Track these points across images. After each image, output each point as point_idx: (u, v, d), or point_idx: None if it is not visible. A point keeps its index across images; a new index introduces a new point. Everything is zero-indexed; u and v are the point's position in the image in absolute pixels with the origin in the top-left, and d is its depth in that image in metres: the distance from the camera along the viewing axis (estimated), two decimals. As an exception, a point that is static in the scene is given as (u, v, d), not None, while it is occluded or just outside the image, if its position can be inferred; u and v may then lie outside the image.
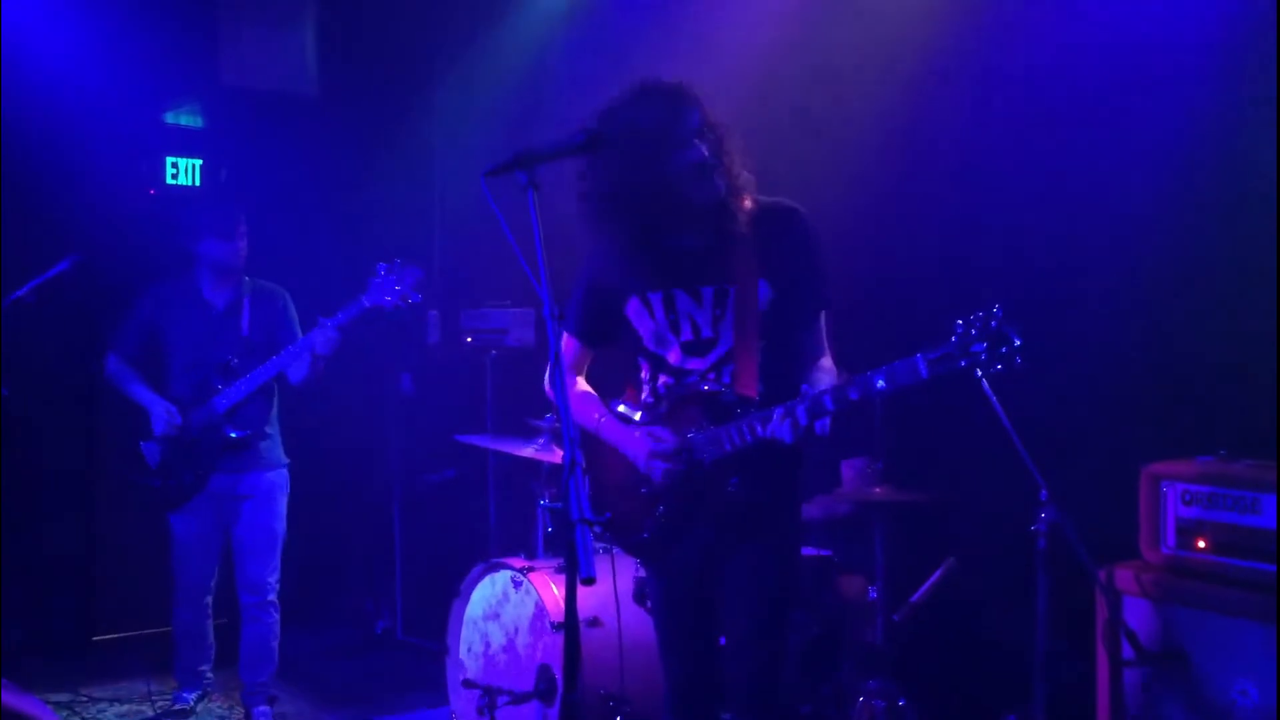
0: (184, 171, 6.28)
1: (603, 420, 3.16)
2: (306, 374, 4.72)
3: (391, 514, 6.47)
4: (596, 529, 2.24)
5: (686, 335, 3.06)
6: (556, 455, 4.71)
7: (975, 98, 4.42)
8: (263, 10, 6.50)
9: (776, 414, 2.80)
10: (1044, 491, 3.44)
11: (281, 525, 4.85)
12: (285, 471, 4.90)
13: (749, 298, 2.98)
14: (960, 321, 2.57)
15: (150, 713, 5.04)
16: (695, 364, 3.06)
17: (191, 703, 4.98)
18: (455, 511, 6.29)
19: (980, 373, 2.54)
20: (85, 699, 5.26)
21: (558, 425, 4.74)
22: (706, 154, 2.89)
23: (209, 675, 5.02)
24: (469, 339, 6.28)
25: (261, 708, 4.86)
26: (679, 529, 3.07)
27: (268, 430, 4.84)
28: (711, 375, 3.03)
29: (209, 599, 4.92)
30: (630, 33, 5.70)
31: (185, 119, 6.43)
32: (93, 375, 6.00)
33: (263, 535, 4.79)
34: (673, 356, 3.09)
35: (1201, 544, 3.38)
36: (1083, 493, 3.64)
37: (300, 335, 4.79)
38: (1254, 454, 3.42)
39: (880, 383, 2.67)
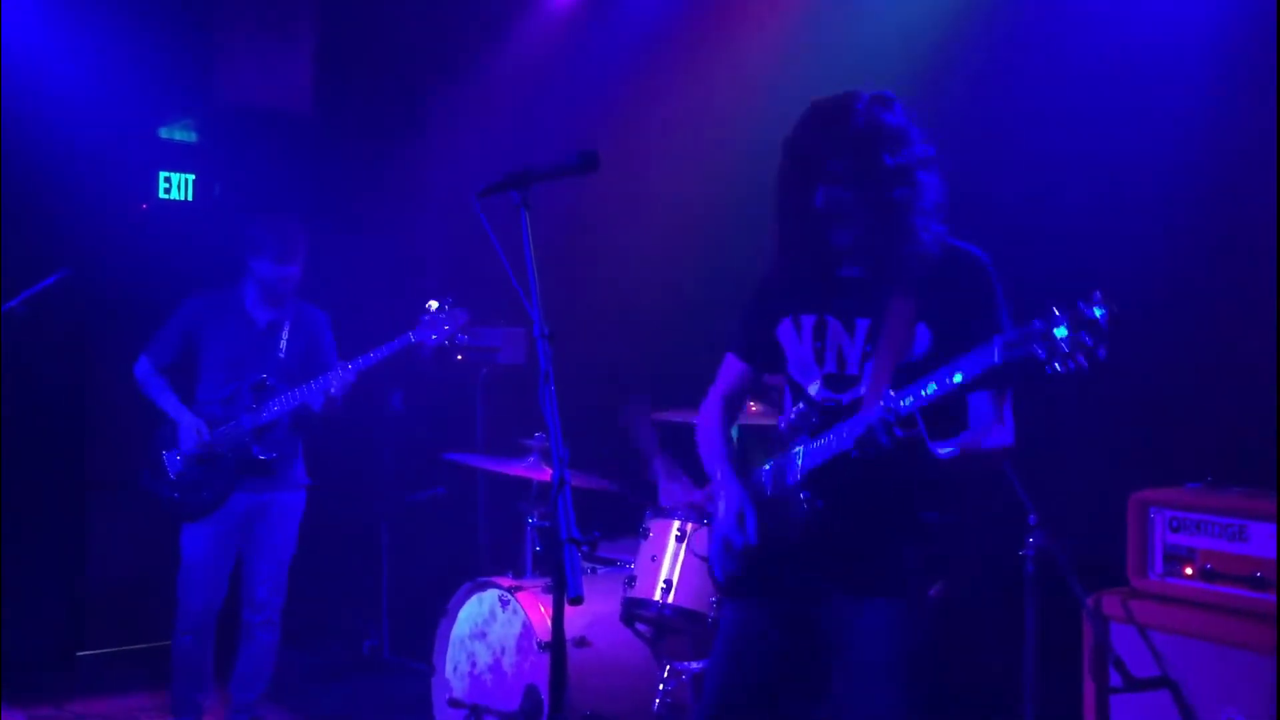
0: (176, 186, 6.27)
1: (716, 465, 2.93)
2: (322, 409, 4.65)
3: (380, 532, 6.44)
4: (584, 549, 2.23)
5: (830, 367, 2.80)
6: (545, 473, 4.71)
7: (974, 120, 4.44)
8: (258, 26, 6.50)
9: (857, 418, 2.56)
10: (1033, 517, 3.44)
11: (292, 546, 4.81)
12: (304, 493, 4.86)
13: (902, 339, 2.69)
14: (1055, 307, 2.27)
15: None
16: (833, 399, 2.78)
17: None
18: (444, 530, 6.28)
19: (1058, 367, 2.23)
20: (69, 715, 5.22)
21: (547, 444, 4.74)
22: (838, 197, 2.67)
23: (203, 704, 4.92)
24: (460, 356, 6.28)
25: None
26: (764, 559, 2.78)
27: (292, 454, 4.81)
28: (838, 412, 2.73)
29: (213, 623, 4.78)
30: (626, 51, 5.73)
31: (179, 134, 6.43)
32: (84, 387, 6.01)
33: (274, 555, 4.75)
34: (813, 388, 2.83)
35: (1189, 571, 3.38)
36: (1071, 519, 3.64)
37: (336, 361, 4.73)
38: (1242, 481, 3.43)
39: (958, 376, 2.40)
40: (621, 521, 4.74)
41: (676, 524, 4.19)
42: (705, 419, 3.07)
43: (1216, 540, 3.33)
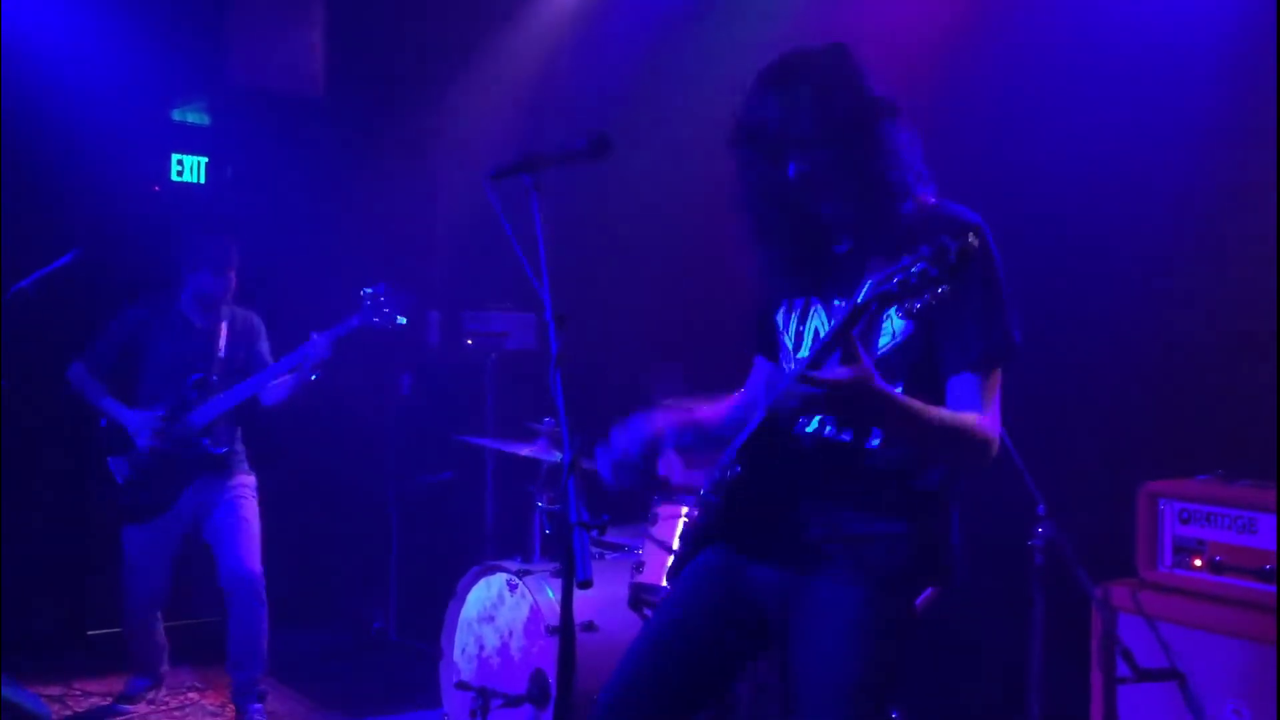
0: (189, 169, 6.29)
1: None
2: (284, 397, 4.85)
3: (389, 515, 6.46)
4: (594, 533, 2.22)
5: (806, 352, 2.57)
6: (555, 459, 4.71)
7: (979, 117, 4.43)
8: (270, 9, 6.50)
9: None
10: (1041, 507, 3.44)
11: (256, 522, 4.86)
12: (252, 478, 4.96)
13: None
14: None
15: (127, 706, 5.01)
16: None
17: (142, 692, 5.00)
18: (452, 513, 6.29)
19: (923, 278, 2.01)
20: (78, 693, 5.26)
21: (556, 429, 4.74)
22: (811, 161, 2.43)
23: (162, 670, 5.06)
24: (469, 341, 6.29)
25: (254, 705, 4.85)
26: (744, 501, 2.52)
27: (239, 447, 4.95)
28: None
29: (158, 613, 4.94)
30: (636, 35, 5.72)
31: (192, 116, 6.44)
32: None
33: (241, 524, 4.79)
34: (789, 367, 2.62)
35: (1198, 563, 3.38)
36: (1080, 509, 3.63)
37: (270, 361, 4.93)
38: (1253, 474, 3.43)
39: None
40: (630, 507, 4.75)
41: (685, 509, 4.19)
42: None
43: (1226, 532, 3.33)
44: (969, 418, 2.36)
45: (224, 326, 4.93)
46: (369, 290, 4.79)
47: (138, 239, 5.91)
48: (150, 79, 6.00)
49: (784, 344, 2.69)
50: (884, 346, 2.45)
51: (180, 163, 6.28)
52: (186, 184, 6.27)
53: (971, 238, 2.01)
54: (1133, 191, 4.04)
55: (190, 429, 4.76)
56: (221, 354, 4.88)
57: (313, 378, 4.78)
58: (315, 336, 4.74)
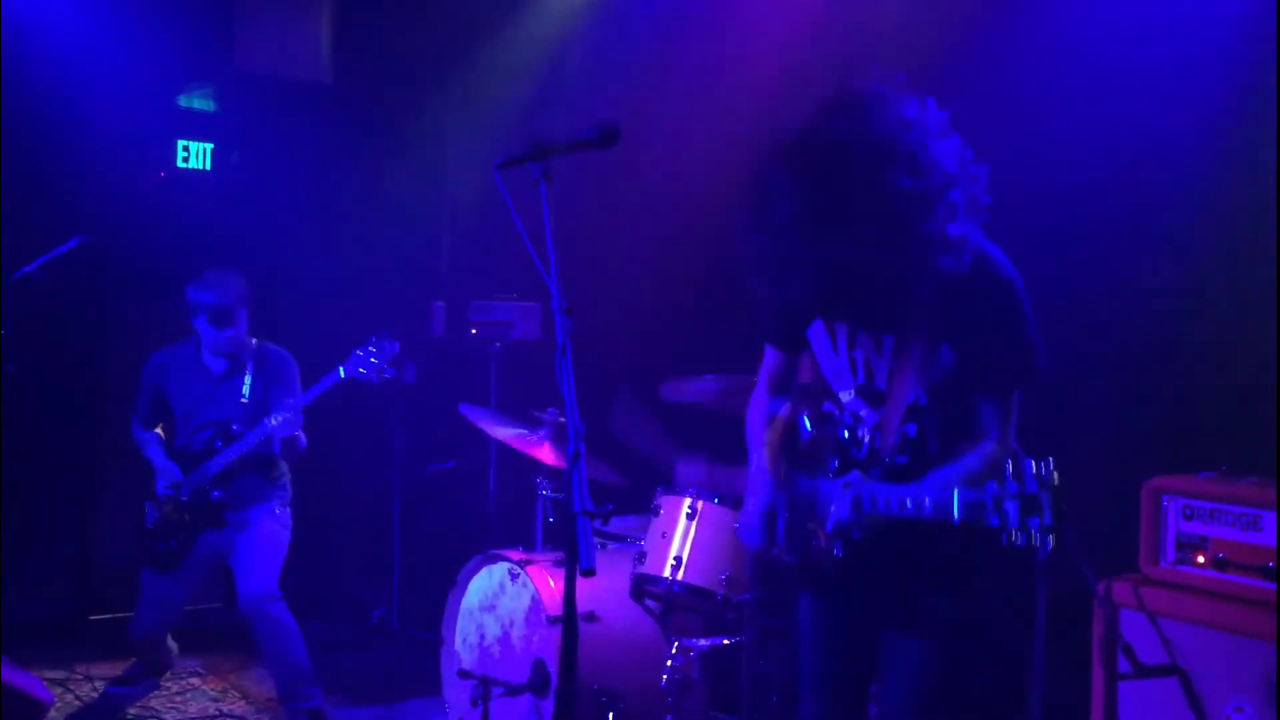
0: (195, 155, 6.28)
1: (754, 460, 3.01)
2: (281, 451, 4.73)
3: (392, 503, 6.47)
4: (598, 522, 2.23)
5: (862, 379, 2.81)
6: (558, 449, 4.72)
7: (990, 114, 4.42)
8: (279, -4, 6.51)
9: (843, 480, 2.69)
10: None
11: (276, 538, 4.75)
12: (273, 505, 4.81)
13: (924, 361, 2.70)
14: (1010, 463, 2.36)
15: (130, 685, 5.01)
16: (866, 412, 2.81)
17: (140, 678, 4.92)
18: (455, 502, 6.30)
19: (1013, 540, 2.33)
20: (81, 677, 5.27)
21: (561, 419, 4.75)
22: (855, 262, 2.49)
23: (166, 673, 5.01)
24: (474, 331, 6.29)
25: None
26: (818, 569, 2.85)
27: (263, 490, 4.80)
28: (866, 428, 2.80)
29: (165, 632, 4.85)
30: (647, 26, 5.71)
31: (198, 102, 6.44)
32: (98, 353, 6.04)
33: (252, 547, 4.68)
34: (846, 395, 2.85)
35: (1201, 559, 3.37)
36: (1083, 505, 3.62)
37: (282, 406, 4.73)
38: (1256, 471, 3.42)
39: (909, 504, 2.53)
40: (633, 498, 4.75)
41: (687, 501, 4.19)
42: (750, 409, 3.10)
43: (1229, 529, 3.32)
44: (973, 458, 2.68)
45: (249, 369, 4.80)
46: (361, 350, 4.62)
47: (143, 225, 5.92)
48: (157, 64, 6.00)
49: (823, 358, 2.88)
50: (938, 376, 2.71)
51: (186, 149, 6.27)
52: (192, 170, 6.27)
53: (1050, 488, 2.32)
54: (1139, 189, 4.03)
55: (204, 478, 4.70)
56: (245, 400, 4.76)
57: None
58: (284, 403, 4.62)
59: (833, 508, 2.68)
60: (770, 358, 3.09)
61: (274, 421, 4.57)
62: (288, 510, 4.85)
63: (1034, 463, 2.33)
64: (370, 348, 4.61)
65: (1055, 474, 2.31)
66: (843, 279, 2.55)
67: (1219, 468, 3.48)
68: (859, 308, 2.75)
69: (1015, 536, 2.32)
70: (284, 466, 4.88)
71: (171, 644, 4.91)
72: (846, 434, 2.83)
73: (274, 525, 4.76)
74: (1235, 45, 3.80)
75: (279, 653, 4.61)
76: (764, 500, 2.89)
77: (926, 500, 2.49)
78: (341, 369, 4.60)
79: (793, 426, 2.94)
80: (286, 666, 4.61)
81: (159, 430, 4.93)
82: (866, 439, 2.79)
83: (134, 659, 4.92)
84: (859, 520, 2.63)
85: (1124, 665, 3.39)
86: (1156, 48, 3.99)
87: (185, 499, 4.71)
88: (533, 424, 4.88)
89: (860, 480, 2.66)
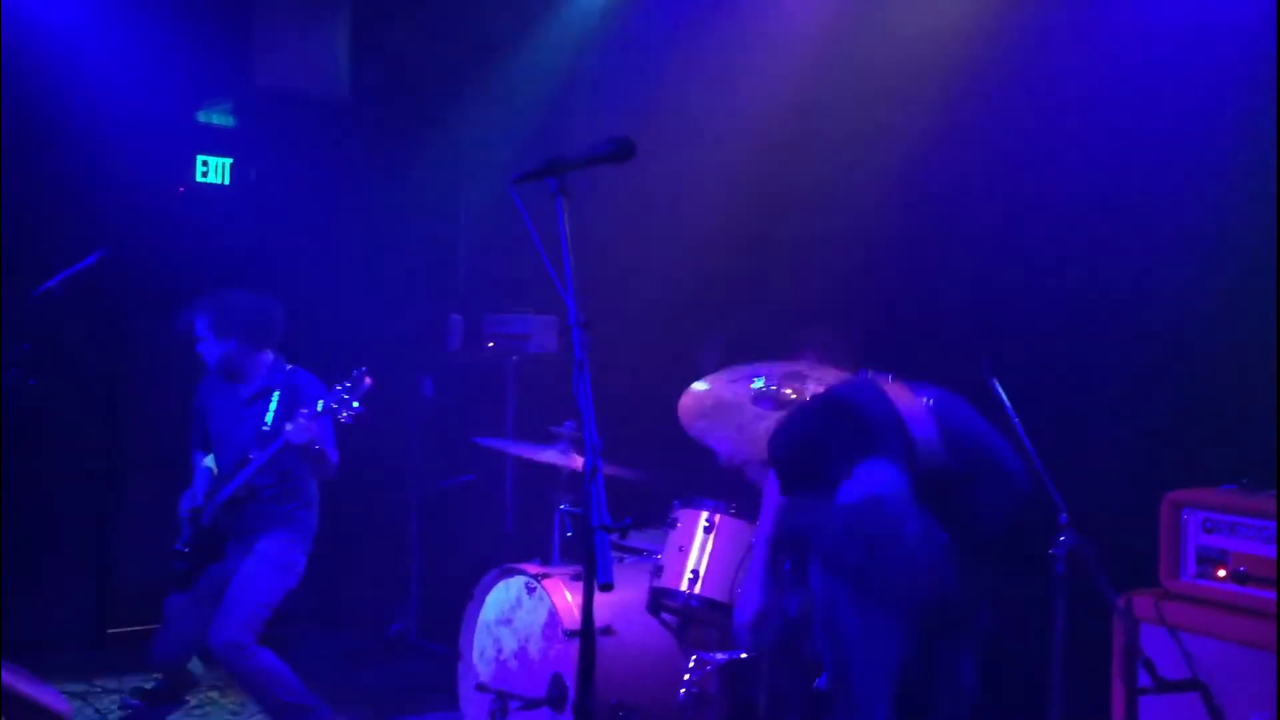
0: (214, 170, 6.32)
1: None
2: (311, 468, 4.66)
3: (409, 517, 6.48)
4: (615, 536, 2.23)
5: None
6: (575, 462, 4.72)
7: (1003, 123, 4.42)
8: (296, 12, 6.54)
9: None
10: (1063, 515, 3.42)
11: (259, 578, 4.60)
12: (286, 540, 4.72)
13: None
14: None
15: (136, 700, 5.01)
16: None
17: (158, 693, 4.89)
18: (473, 516, 6.30)
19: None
20: (99, 690, 5.28)
21: (578, 432, 4.75)
22: None
23: (185, 695, 4.98)
24: (491, 344, 6.30)
25: None
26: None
27: (273, 522, 4.73)
28: None
29: (189, 661, 4.81)
30: (661, 40, 5.72)
31: (217, 118, 6.48)
32: (118, 368, 6.07)
33: (233, 589, 4.58)
34: None
35: (1221, 573, 3.35)
36: (1103, 518, 3.61)
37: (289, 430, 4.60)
38: (1276, 484, 3.40)
39: None
40: (650, 511, 4.75)
41: (704, 515, 4.19)
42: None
43: (1250, 543, 3.31)
44: None
45: (277, 395, 4.75)
46: (339, 385, 4.51)
47: (163, 240, 5.94)
48: (176, 80, 6.03)
49: None
50: None
51: (205, 164, 6.31)
52: (211, 185, 6.31)
53: None
54: (1159, 200, 4.02)
55: (216, 504, 4.70)
56: (267, 426, 4.70)
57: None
58: (297, 413, 4.50)
59: None
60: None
61: (288, 428, 4.49)
62: (299, 549, 4.73)
63: None
64: (346, 383, 4.51)
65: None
66: None
67: (1239, 481, 3.46)
68: None
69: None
70: (309, 496, 4.80)
71: (195, 667, 4.87)
72: None
73: (275, 569, 4.65)
74: (1238, 51, 3.79)
75: (261, 697, 4.57)
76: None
77: None
78: (320, 402, 4.50)
79: None
80: (277, 708, 4.56)
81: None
82: None
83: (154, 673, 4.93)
84: None
85: (1144, 680, 3.37)
86: (1162, 56, 3.98)
87: (205, 523, 4.71)
88: (549, 440, 4.88)
89: None
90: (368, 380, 4.52)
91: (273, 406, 4.73)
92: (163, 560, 4.78)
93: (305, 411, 4.50)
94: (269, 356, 4.82)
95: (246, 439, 4.70)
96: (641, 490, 4.83)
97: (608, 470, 2.40)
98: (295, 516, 4.76)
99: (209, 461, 4.93)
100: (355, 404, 4.48)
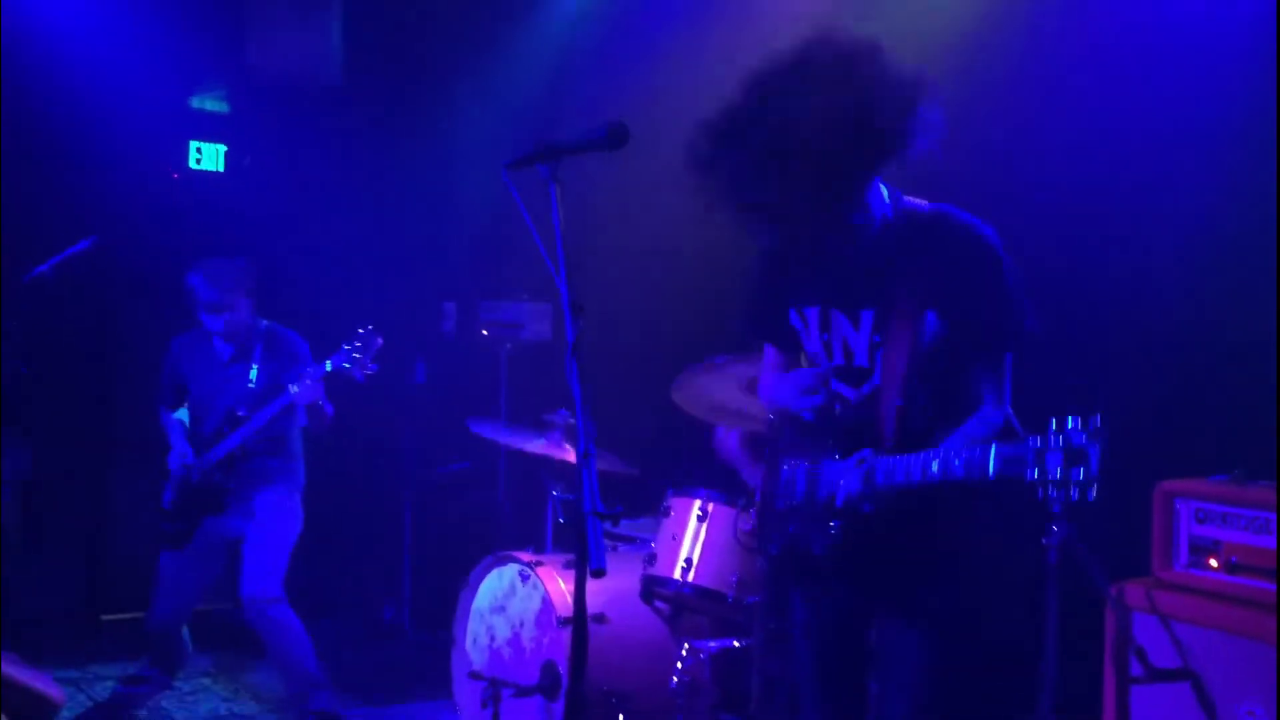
0: (208, 156, 6.30)
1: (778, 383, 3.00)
2: (307, 423, 4.80)
3: (402, 504, 6.47)
4: (608, 523, 2.23)
5: (839, 359, 2.83)
6: (568, 452, 4.72)
7: (998, 117, 4.41)
8: (290, -2, 6.53)
9: (856, 457, 2.66)
10: (1056, 505, 3.42)
11: (275, 535, 4.75)
12: (285, 492, 4.83)
13: (912, 329, 2.69)
14: (1053, 420, 2.32)
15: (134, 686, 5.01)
16: (848, 392, 2.83)
17: (150, 679, 4.92)
18: (466, 503, 6.30)
19: (1048, 493, 2.31)
20: (92, 676, 5.28)
21: (571, 421, 4.74)
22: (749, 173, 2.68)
23: (178, 672, 5.01)
24: (484, 331, 6.29)
25: None
26: (804, 557, 2.81)
27: (271, 475, 4.81)
28: (856, 407, 2.80)
29: (180, 625, 4.87)
30: (657, 26, 5.70)
31: (210, 104, 6.46)
32: (110, 354, 6.06)
33: (251, 546, 4.72)
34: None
35: (1214, 563, 3.36)
36: (1095, 507, 3.61)
37: (291, 389, 4.70)
38: (1270, 474, 3.40)
39: (936, 466, 2.50)
40: (643, 499, 4.75)
41: (698, 503, 4.19)
42: (764, 381, 3.12)
43: (1242, 533, 3.31)
44: (975, 424, 2.69)
45: (257, 354, 4.83)
46: (347, 344, 4.60)
47: (156, 225, 5.93)
48: (169, 66, 6.02)
49: (805, 344, 2.90)
50: (927, 343, 2.71)
51: (199, 150, 6.30)
52: (205, 171, 6.29)
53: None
54: (1151, 190, 4.02)
55: (209, 464, 4.74)
56: (253, 386, 4.77)
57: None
58: (302, 371, 4.61)
59: (841, 483, 2.67)
60: (769, 355, 3.11)
61: (293, 390, 4.58)
62: (297, 497, 4.87)
63: (1079, 418, 2.31)
64: (356, 342, 4.60)
65: (1102, 428, 2.30)
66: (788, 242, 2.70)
67: (1232, 471, 3.46)
68: (828, 285, 2.79)
69: (1050, 490, 2.31)
70: (296, 450, 4.90)
71: (186, 640, 4.93)
72: (839, 410, 2.83)
73: (282, 515, 4.79)
74: (1239, 44, 3.79)
75: (282, 655, 4.66)
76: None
77: (956, 461, 2.46)
78: (328, 362, 4.59)
79: (794, 416, 2.92)
80: (291, 669, 4.65)
81: (183, 415, 4.98)
82: (856, 416, 2.79)
83: (147, 657, 4.93)
84: (870, 493, 2.62)
85: (1136, 669, 3.37)
86: (1162, 48, 3.98)
87: (195, 481, 4.75)
88: (542, 428, 4.87)
89: (873, 455, 2.65)
90: (379, 339, 4.57)
91: (255, 365, 4.80)
92: (155, 522, 4.82)
93: (310, 371, 4.56)
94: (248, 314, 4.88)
95: (234, 397, 4.75)
96: (634, 479, 4.83)
97: (600, 461, 2.39)
98: (287, 469, 4.86)
99: (181, 416, 4.95)
100: (369, 365, 4.55)
